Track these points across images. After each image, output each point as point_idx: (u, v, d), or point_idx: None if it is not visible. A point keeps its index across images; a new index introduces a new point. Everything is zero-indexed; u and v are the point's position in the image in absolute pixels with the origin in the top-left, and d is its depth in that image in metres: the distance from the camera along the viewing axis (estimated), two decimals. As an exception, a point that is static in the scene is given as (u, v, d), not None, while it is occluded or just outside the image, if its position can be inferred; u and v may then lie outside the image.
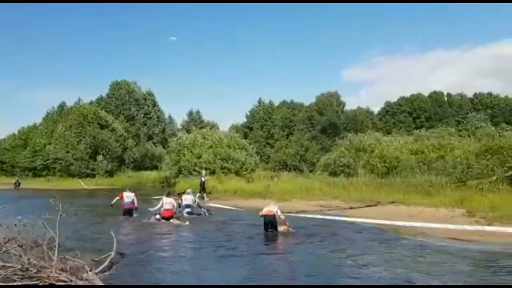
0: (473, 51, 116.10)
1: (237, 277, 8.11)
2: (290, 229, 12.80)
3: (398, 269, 8.50)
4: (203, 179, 26.23)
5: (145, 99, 65.59)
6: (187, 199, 17.91)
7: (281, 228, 12.67)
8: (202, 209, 18.19)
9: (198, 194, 24.39)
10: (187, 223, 15.67)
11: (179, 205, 17.73)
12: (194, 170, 35.53)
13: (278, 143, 52.99)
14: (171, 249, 11.61)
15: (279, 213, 12.61)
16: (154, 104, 66.95)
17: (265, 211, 12.74)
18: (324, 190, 23.76)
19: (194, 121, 67.30)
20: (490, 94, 72.79)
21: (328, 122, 61.36)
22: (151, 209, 17.00)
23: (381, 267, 8.74)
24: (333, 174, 31.56)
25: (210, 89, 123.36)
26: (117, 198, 17.97)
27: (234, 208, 21.00)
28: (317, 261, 9.49)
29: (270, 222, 12.51)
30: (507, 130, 20.00)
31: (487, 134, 20.10)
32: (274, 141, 58.63)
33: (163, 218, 15.89)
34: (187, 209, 17.51)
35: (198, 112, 71.28)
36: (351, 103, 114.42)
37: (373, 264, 9.03)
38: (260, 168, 40.16)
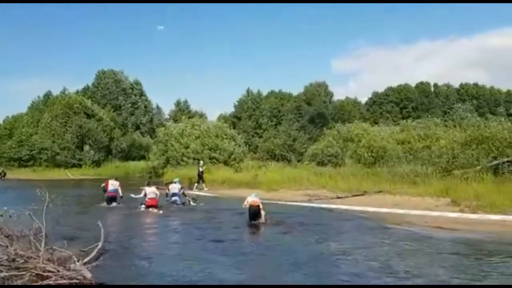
0: (459, 42, 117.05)
1: (222, 266, 8.15)
2: (267, 221, 12.89)
3: (385, 258, 8.62)
4: (200, 169, 26.45)
5: (132, 88, 64.93)
6: (174, 187, 18.24)
7: (261, 219, 12.82)
8: (187, 197, 18.47)
9: (196, 184, 25.29)
10: (161, 211, 16.02)
11: (167, 195, 18.07)
12: (182, 160, 35.47)
13: (266, 133, 53.04)
14: (159, 239, 11.66)
15: (261, 205, 12.87)
16: (142, 94, 66.31)
17: (250, 202, 12.90)
18: (311, 180, 23.90)
19: (182, 111, 66.84)
20: (476, 84, 73.67)
21: (316, 112, 61.55)
22: (133, 195, 17.32)
23: (366, 256, 8.86)
24: (321, 164, 31.75)
25: (198, 78, 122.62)
26: (104, 184, 18.55)
27: (221, 197, 21.11)
28: (303, 250, 9.58)
29: (255, 213, 12.66)
30: (492, 121, 20.25)
31: (473, 124, 20.31)
32: (262, 131, 58.69)
33: (147, 207, 16.19)
34: (174, 197, 17.84)
35: (186, 101, 70.83)
36: (340, 94, 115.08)
37: (359, 253, 9.15)
38: (248, 158, 40.18)
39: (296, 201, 18.54)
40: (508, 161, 18.02)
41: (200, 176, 26.15)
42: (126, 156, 55.17)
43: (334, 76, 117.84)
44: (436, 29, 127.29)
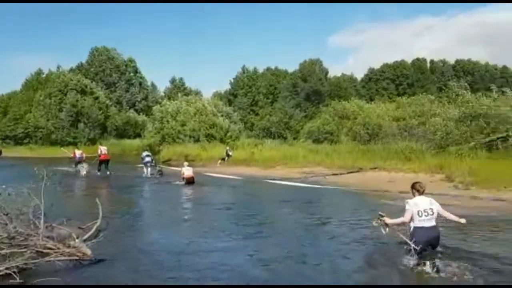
0: (458, 17, 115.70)
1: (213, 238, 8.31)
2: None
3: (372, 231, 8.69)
4: (230, 153, 27.59)
5: (126, 65, 64.36)
6: (147, 153, 22.28)
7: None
8: (157, 167, 21.69)
9: (219, 161, 26.91)
10: (108, 173, 21.50)
11: (142, 159, 21.80)
12: (178, 137, 35.54)
13: (262, 110, 52.93)
14: (151, 213, 12.28)
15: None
16: (136, 71, 65.72)
17: (186, 175, 17.28)
18: (308, 157, 24.08)
19: (177, 88, 66.42)
20: (471, 60, 73.31)
21: (312, 89, 61.26)
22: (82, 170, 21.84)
23: (357, 230, 9.02)
24: (317, 141, 31.92)
25: (193, 56, 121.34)
26: (72, 154, 24.79)
27: (216, 175, 21.36)
28: (289, 223, 9.76)
29: (191, 183, 17.13)
30: (486, 97, 20.34)
31: (467, 101, 20.40)
32: (258, 108, 58.53)
33: (100, 161, 21.56)
34: (147, 159, 21.34)
35: (181, 79, 70.26)
36: (337, 70, 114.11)
37: (349, 227, 9.30)
38: (244, 136, 40.29)
39: (292, 179, 18.73)
40: (501, 137, 18.19)
41: (227, 155, 27.37)
42: (121, 134, 55.09)
43: (332, 52, 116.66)
44: (437, 4, 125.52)
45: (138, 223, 10.56)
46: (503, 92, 19.92)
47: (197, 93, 59.09)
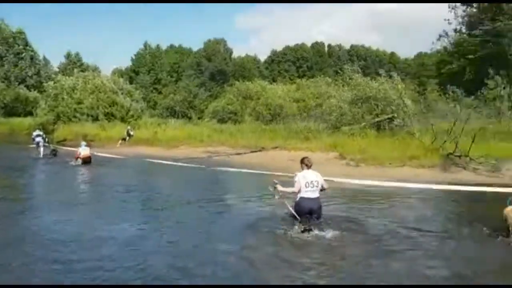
0: (354, 5, 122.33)
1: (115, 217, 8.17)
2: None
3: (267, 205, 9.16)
4: (131, 133, 26.67)
5: (14, 38, 58.53)
6: (37, 132, 21.45)
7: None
8: (51, 147, 21.10)
9: (120, 141, 25.98)
10: None
11: (33, 139, 20.94)
12: (75, 116, 33.54)
13: (166, 89, 51.82)
14: (43, 196, 11.80)
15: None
16: (26, 44, 60.08)
17: (83, 155, 16.98)
18: (212, 136, 24.25)
19: (73, 63, 62.13)
20: (364, 46, 78.67)
21: (216, 68, 61.30)
22: None
23: (253, 205, 9.51)
24: (221, 121, 32.19)
25: (90, 29, 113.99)
26: None
27: (116, 156, 20.70)
28: (189, 204, 9.98)
29: (88, 163, 16.92)
30: (375, 81, 22.07)
31: (359, 84, 21.99)
32: (161, 87, 57.17)
33: None
34: (38, 138, 20.62)
35: (77, 54, 65.76)
36: (242, 51, 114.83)
37: (248, 203, 9.71)
38: (147, 115, 39.24)
39: (196, 159, 18.80)
40: (387, 119, 19.97)
41: (128, 135, 26.47)
42: (10, 111, 50.44)
43: (237, 32, 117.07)
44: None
45: (28, 207, 9.80)
46: (390, 76, 21.70)
47: (95, 69, 55.78)
